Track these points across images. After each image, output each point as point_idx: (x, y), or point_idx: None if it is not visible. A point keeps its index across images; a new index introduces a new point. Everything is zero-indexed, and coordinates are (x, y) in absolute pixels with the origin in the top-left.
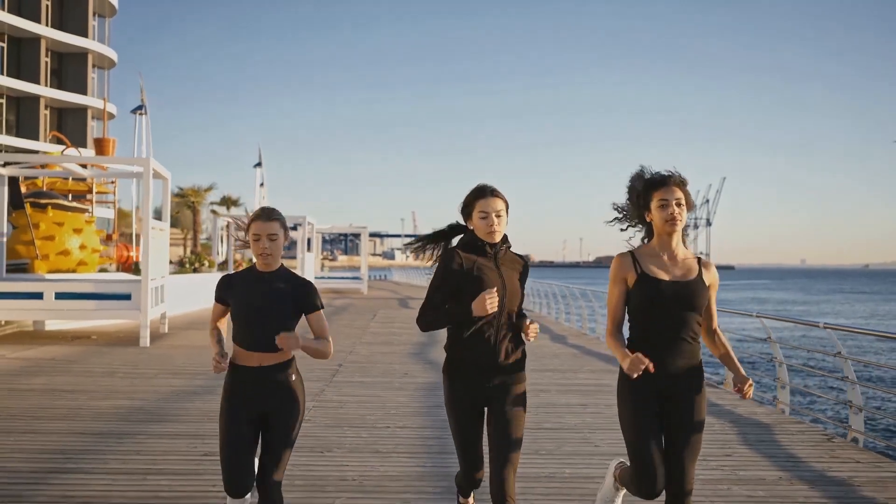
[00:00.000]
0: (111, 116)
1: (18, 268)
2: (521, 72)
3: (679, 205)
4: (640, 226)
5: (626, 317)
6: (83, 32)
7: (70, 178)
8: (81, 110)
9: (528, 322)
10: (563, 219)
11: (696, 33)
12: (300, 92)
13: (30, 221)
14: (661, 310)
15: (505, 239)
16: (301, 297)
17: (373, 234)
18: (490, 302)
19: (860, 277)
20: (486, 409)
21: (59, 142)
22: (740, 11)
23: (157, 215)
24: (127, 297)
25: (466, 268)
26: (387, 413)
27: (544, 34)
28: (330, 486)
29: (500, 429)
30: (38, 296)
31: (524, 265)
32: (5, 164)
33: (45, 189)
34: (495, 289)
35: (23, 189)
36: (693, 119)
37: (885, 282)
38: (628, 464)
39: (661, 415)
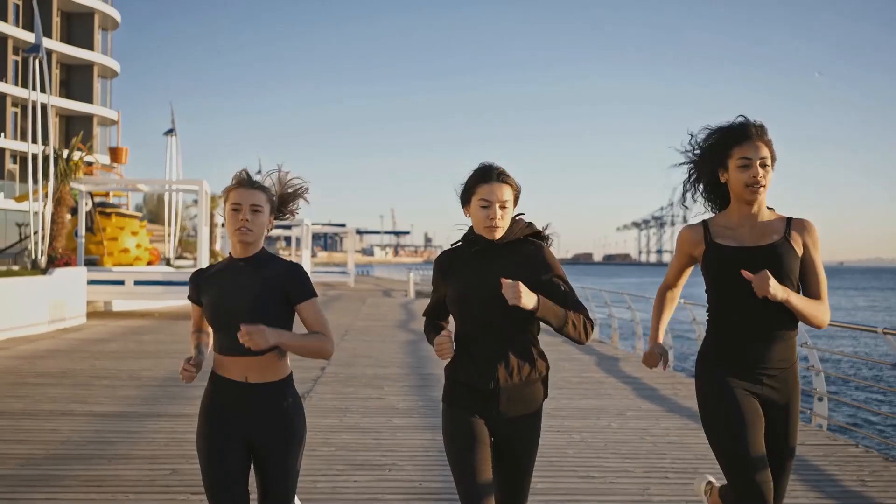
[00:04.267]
0: (114, 123)
1: (91, 262)
2: (501, 66)
3: (764, 165)
4: (706, 190)
5: (707, 298)
6: (89, 46)
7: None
8: (87, 118)
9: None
10: (541, 215)
11: (686, 25)
12: (278, 89)
13: (99, 226)
14: (734, 284)
15: (515, 227)
16: (292, 283)
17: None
18: (439, 350)
19: (833, 275)
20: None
21: (78, 150)
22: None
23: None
24: (187, 283)
25: (448, 271)
26: (383, 352)
27: (525, 26)
28: (356, 380)
29: (501, 474)
30: (121, 282)
31: (534, 255)
32: (84, 183)
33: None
34: (445, 334)
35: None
36: (675, 114)
37: (854, 279)
38: (715, 483)
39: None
